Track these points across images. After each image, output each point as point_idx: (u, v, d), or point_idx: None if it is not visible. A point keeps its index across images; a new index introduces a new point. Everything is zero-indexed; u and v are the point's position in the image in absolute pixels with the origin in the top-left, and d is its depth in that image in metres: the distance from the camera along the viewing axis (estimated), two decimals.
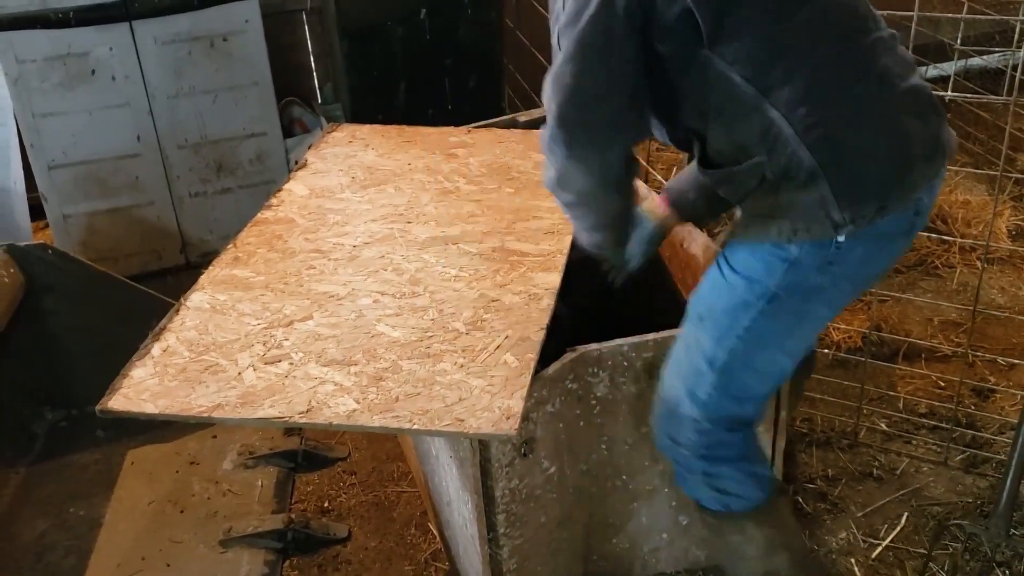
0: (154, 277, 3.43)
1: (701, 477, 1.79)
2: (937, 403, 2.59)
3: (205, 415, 1.69)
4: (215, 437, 2.55)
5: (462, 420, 1.60)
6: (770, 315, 1.61)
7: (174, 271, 3.48)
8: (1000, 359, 2.75)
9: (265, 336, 1.87)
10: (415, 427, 1.61)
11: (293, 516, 2.30)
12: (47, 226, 3.40)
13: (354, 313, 1.91)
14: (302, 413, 1.66)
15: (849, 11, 1.54)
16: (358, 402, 1.67)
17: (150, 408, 1.71)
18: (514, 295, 1.93)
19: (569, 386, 1.80)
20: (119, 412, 1.72)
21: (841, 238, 1.52)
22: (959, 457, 2.45)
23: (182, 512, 2.39)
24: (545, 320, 1.84)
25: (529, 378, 1.68)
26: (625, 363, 1.83)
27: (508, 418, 1.59)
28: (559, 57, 1.53)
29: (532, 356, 1.74)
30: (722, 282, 1.66)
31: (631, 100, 1.53)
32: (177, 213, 3.44)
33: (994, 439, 2.47)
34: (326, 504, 2.47)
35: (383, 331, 1.84)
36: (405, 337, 1.82)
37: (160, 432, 2.54)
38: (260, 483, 2.44)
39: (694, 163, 1.67)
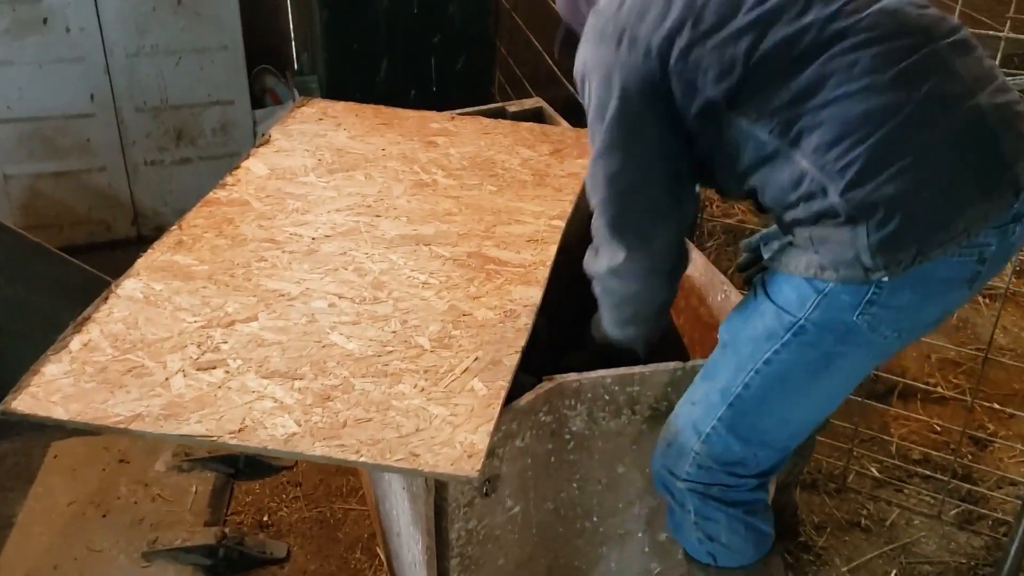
0: (102, 249, 3.19)
1: (692, 517, 1.60)
2: (932, 451, 2.41)
3: (121, 427, 1.46)
4: None
5: (417, 455, 1.39)
6: (796, 350, 1.44)
7: (124, 244, 3.23)
8: (998, 406, 2.57)
9: (201, 336, 1.64)
10: (362, 459, 1.39)
11: (227, 530, 2.10)
12: None
13: (305, 317, 1.69)
14: (233, 433, 1.44)
15: (891, 30, 1.36)
16: (299, 424, 1.45)
17: (59, 413, 1.48)
18: (488, 310, 1.71)
19: (542, 419, 1.59)
20: (23, 415, 1.49)
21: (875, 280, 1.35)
22: (953, 511, 2.27)
23: (104, 516, 2.18)
24: (521, 342, 1.62)
25: (498, 410, 1.47)
26: (607, 396, 1.62)
27: (470, 456, 1.38)
28: (591, 153, 1.56)
29: (503, 384, 1.52)
30: (752, 307, 1.51)
31: (669, 188, 1.55)
32: (130, 181, 3.18)
33: (991, 494, 2.29)
34: (265, 518, 2.25)
35: (336, 341, 1.62)
36: (361, 350, 1.60)
37: None
38: (194, 489, 2.24)
39: None
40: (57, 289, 2.43)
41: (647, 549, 1.86)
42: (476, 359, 1.57)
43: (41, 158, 3.06)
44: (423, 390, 1.51)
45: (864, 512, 2.26)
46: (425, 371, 1.55)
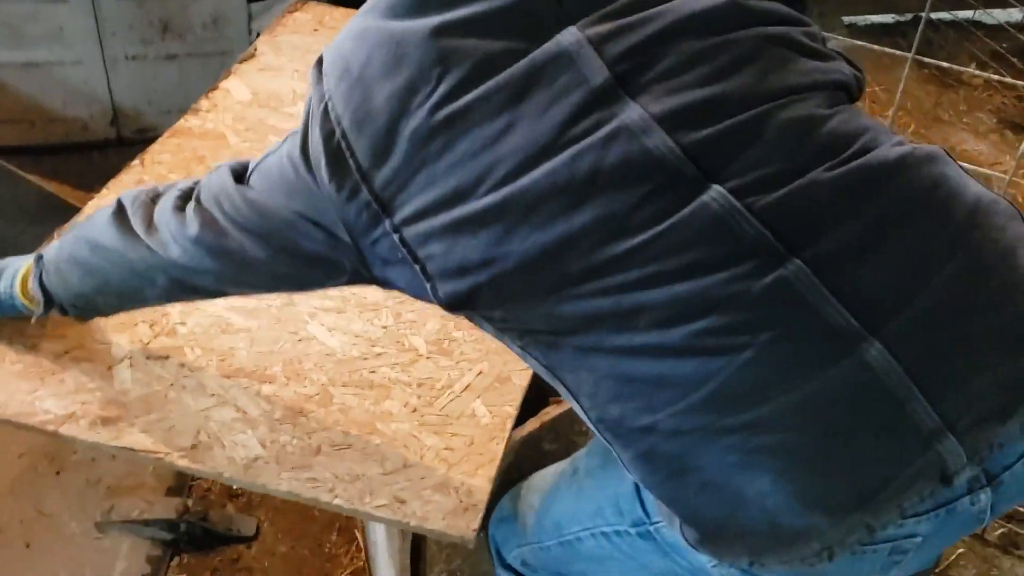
0: (78, 150, 2.87)
1: None
2: None
3: (50, 428, 1.22)
4: None
5: (403, 501, 1.15)
6: (637, 549, 1.09)
7: (102, 146, 2.91)
8: None
9: (155, 313, 1.38)
10: (337, 501, 1.15)
11: (190, 503, 1.87)
12: None
13: (281, 298, 1.42)
14: (184, 451, 1.20)
15: (707, 251, 0.86)
16: (264, 445, 1.21)
17: None
18: None
19: (546, 448, 1.34)
20: None
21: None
22: (998, 531, 2.04)
23: (58, 474, 1.94)
24: None
25: (503, 447, 1.22)
26: None
27: (467, 509, 1.14)
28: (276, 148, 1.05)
29: (511, 410, 1.27)
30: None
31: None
32: (109, 77, 2.83)
33: None
34: (235, 486, 2.02)
35: (315, 334, 1.36)
36: (344, 349, 1.34)
37: None
38: None
39: None
40: (13, 210, 2.16)
41: None
42: (480, 373, 1.31)
43: (8, 47, 2.70)
44: (415, 410, 1.26)
45: None
46: (419, 384, 1.29)
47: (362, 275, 1.02)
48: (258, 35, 2.51)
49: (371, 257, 0.98)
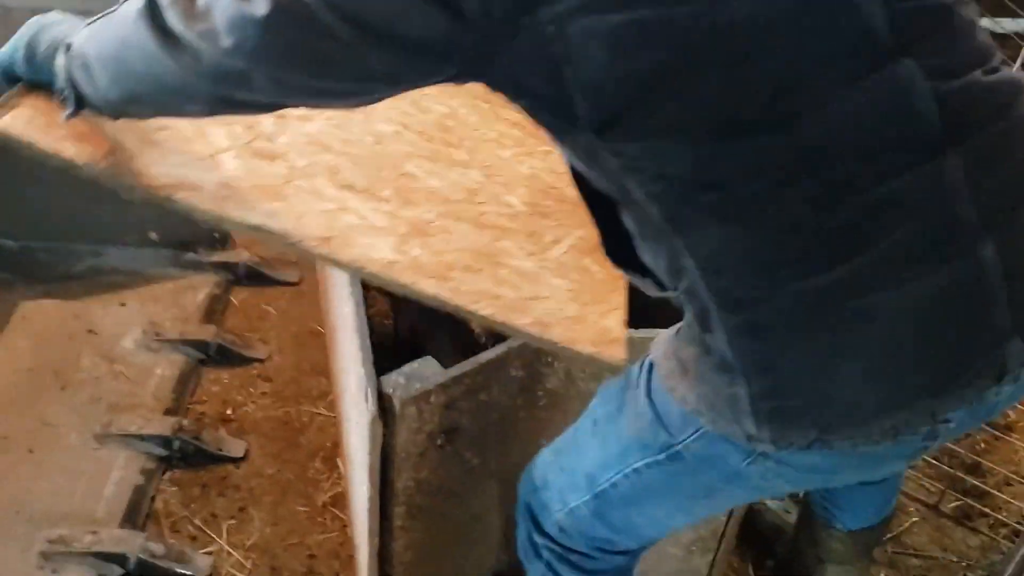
0: None
1: (543, 568, 1.33)
2: None
3: (165, 193, 1.09)
4: (123, 305, 2.17)
5: (547, 324, 1.16)
6: (669, 474, 1.12)
7: None
8: None
9: (249, 119, 1.29)
10: (484, 311, 1.14)
11: (185, 422, 1.90)
12: None
13: (371, 136, 1.38)
14: (320, 240, 1.13)
15: (883, 129, 0.88)
16: (398, 252, 1.17)
17: (68, 151, 1.03)
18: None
19: (512, 373, 1.33)
20: (9, 136, 1.01)
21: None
22: (953, 504, 2.10)
23: (63, 389, 1.97)
24: None
25: (625, 299, 1.27)
26: None
27: (612, 341, 1.17)
28: None
29: (620, 273, 1.32)
30: (631, 395, 1.13)
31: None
32: None
33: (994, 492, 2.13)
34: (229, 411, 2.03)
35: (415, 172, 1.35)
36: (448, 191, 1.34)
37: (64, 286, 2.20)
38: (159, 372, 2.03)
39: None
40: None
41: None
42: (581, 237, 1.35)
43: None
44: (532, 254, 1.28)
45: None
46: (528, 235, 1.32)
47: (472, 72, 0.87)
48: None
49: (501, 50, 0.84)
